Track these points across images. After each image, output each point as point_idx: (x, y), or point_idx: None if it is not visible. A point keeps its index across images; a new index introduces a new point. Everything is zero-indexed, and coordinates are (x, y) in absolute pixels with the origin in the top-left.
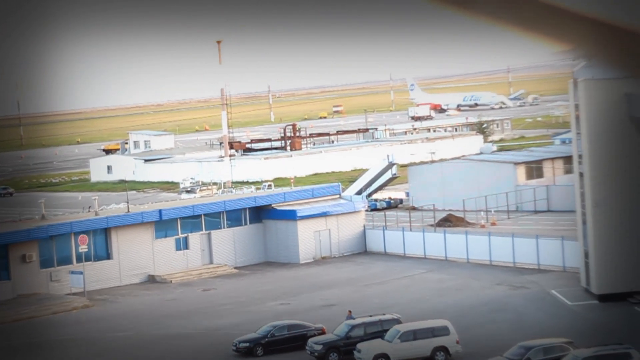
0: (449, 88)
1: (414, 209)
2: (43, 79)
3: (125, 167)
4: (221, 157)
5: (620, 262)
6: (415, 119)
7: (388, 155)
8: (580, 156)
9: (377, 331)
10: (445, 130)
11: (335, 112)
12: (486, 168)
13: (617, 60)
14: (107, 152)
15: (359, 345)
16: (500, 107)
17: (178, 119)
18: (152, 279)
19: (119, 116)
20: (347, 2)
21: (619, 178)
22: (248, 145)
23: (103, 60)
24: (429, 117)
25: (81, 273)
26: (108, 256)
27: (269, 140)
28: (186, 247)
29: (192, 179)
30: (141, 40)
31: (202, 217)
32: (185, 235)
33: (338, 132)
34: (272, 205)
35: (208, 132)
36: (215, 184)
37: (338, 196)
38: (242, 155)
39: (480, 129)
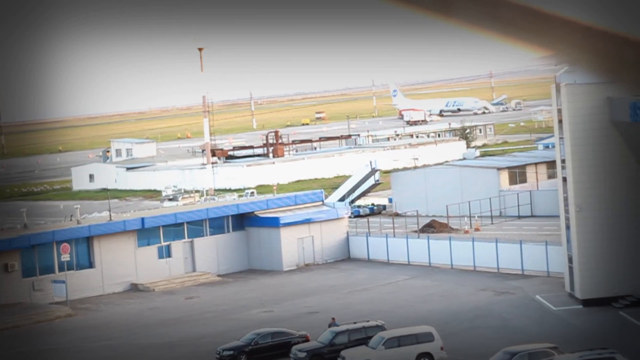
0: (431, 94)
1: (397, 215)
2: (24, 88)
3: (107, 176)
4: (203, 164)
5: (605, 267)
6: (411, 123)
7: (371, 162)
8: (563, 161)
9: (361, 338)
10: (428, 136)
11: (317, 118)
12: (469, 173)
13: (599, 65)
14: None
15: (343, 352)
16: (483, 113)
17: (160, 126)
18: (134, 288)
19: (101, 124)
20: (328, 9)
21: (602, 182)
22: (230, 153)
23: (83, 69)
24: (424, 122)
25: (64, 282)
26: (90, 265)
27: (252, 147)
28: (169, 255)
29: (174, 186)
30: (122, 48)
31: (185, 225)
32: (168, 243)
33: (321, 139)
34: (255, 213)
35: (190, 140)
36: (197, 191)
37: (321, 203)
38: (224, 162)
39: (463, 134)
